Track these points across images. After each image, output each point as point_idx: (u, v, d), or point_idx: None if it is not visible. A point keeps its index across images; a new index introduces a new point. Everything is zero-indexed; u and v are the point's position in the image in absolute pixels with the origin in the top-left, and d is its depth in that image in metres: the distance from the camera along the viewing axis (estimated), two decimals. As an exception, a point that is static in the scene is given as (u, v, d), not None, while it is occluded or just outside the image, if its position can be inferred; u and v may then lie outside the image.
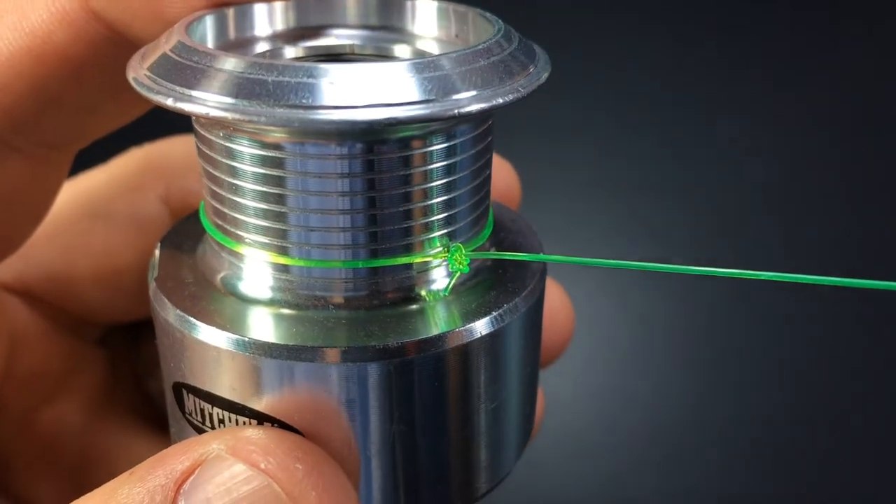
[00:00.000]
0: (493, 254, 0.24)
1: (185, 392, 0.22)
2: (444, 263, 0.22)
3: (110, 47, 0.23)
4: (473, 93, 0.19)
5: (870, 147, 0.75)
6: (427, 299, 0.22)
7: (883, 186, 0.73)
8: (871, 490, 0.57)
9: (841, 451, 0.59)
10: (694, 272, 0.21)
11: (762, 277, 0.20)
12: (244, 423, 0.21)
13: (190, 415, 0.22)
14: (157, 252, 0.24)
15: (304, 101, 0.18)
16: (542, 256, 0.23)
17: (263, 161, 0.20)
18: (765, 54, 0.80)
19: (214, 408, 0.21)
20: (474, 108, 0.19)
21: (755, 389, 0.62)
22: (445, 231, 0.22)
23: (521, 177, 0.31)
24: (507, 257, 0.24)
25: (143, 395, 0.33)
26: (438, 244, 0.22)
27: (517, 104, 0.20)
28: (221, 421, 0.22)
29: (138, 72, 0.20)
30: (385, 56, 0.24)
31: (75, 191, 0.30)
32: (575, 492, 0.57)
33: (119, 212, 0.30)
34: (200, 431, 0.22)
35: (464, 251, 0.22)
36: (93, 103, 0.25)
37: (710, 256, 0.68)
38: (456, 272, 0.22)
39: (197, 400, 0.22)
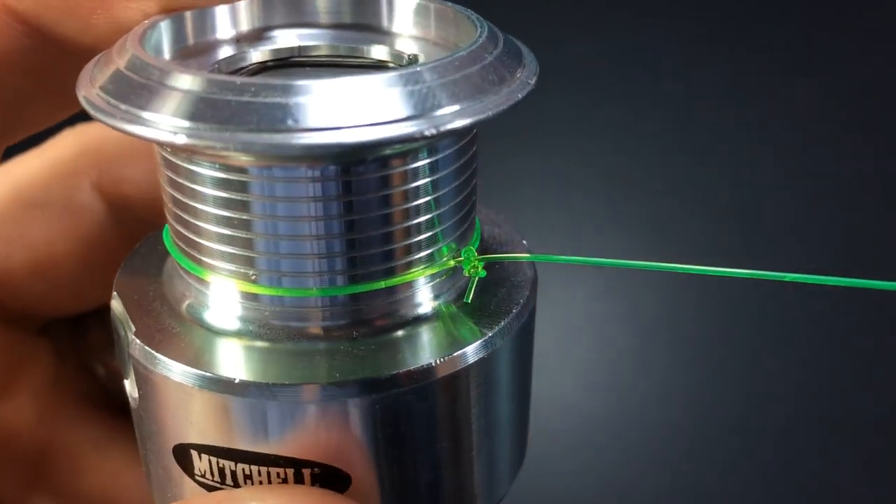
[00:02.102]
0: (504, 256, 0.23)
1: (194, 453, 0.20)
2: (433, 283, 0.21)
3: (28, 42, 0.21)
4: (461, 105, 0.17)
5: (873, 146, 0.74)
6: (440, 312, 0.21)
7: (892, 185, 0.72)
8: (873, 490, 0.58)
9: (844, 451, 0.59)
10: (702, 272, 0.20)
11: (768, 277, 0.20)
12: (276, 474, 0.19)
13: (203, 476, 0.20)
14: (117, 304, 0.22)
15: (281, 124, 0.16)
16: (553, 258, 0.22)
17: (227, 185, 0.18)
18: (773, 48, 0.78)
19: (238, 464, 0.20)
20: (465, 122, 0.17)
21: (759, 390, 0.62)
22: (430, 251, 0.20)
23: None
24: (519, 259, 0.23)
25: (92, 380, 0.32)
26: (438, 258, 0.21)
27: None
28: (248, 476, 0.20)
29: (90, 90, 0.18)
30: (360, 58, 0.22)
31: (8, 179, 0.28)
32: (576, 493, 0.57)
33: (54, 200, 0.28)
34: None
35: (476, 254, 0.21)
36: (15, 100, 0.23)
37: (714, 256, 0.68)
38: (474, 277, 0.21)
39: (212, 459, 0.20)
